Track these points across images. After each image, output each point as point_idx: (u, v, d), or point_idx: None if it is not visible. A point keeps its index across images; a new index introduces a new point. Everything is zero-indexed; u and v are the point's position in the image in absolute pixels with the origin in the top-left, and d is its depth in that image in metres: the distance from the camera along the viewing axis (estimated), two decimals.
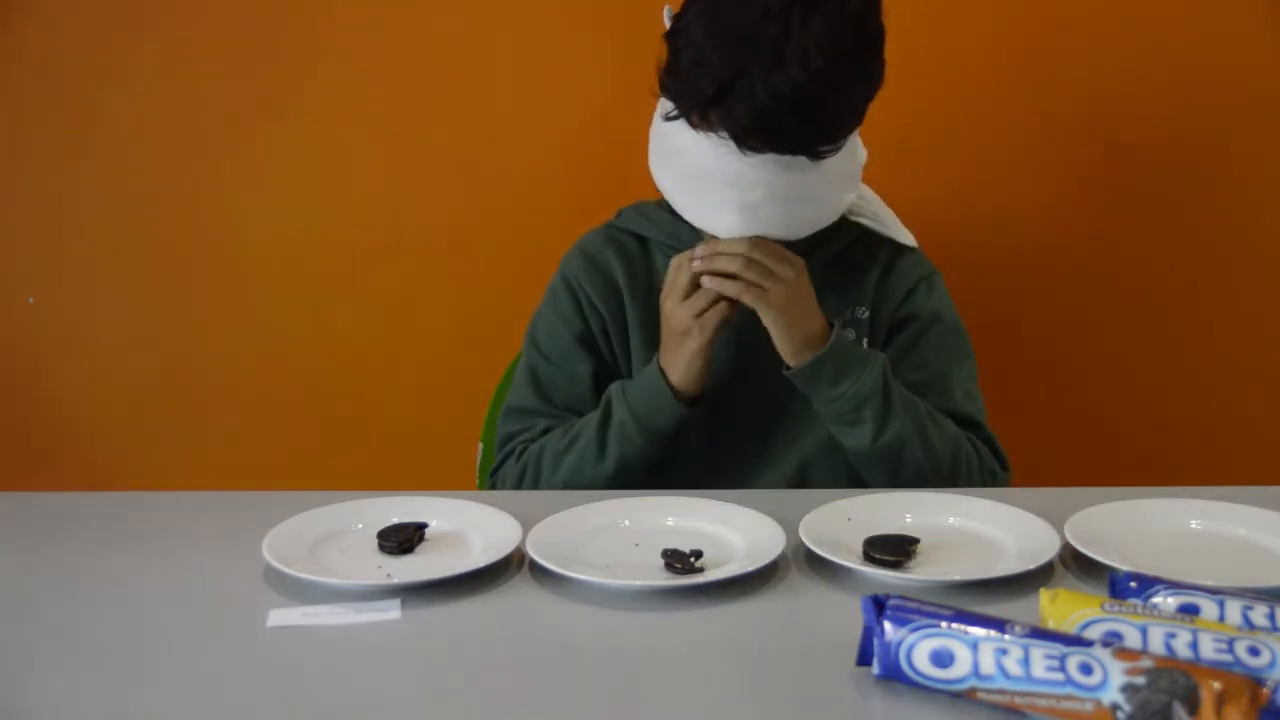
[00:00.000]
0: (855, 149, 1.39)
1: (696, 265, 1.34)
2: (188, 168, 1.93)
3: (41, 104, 1.91)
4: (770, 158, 1.29)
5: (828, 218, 1.39)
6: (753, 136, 1.26)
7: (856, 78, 1.30)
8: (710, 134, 1.29)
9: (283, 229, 1.95)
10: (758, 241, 1.33)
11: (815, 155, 1.30)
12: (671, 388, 1.37)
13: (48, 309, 1.97)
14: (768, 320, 1.35)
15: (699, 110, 1.29)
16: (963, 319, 1.54)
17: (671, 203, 1.40)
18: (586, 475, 1.40)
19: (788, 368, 1.37)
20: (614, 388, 1.42)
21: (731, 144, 1.28)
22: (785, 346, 1.36)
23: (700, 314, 1.35)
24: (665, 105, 1.34)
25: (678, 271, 1.37)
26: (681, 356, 1.37)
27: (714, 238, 1.36)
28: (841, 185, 1.38)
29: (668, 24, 1.34)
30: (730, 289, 1.33)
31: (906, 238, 1.52)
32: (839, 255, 1.49)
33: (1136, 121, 1.89)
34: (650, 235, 1.51)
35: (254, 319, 1.98)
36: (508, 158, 1.92)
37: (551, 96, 1.89)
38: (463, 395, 1.84)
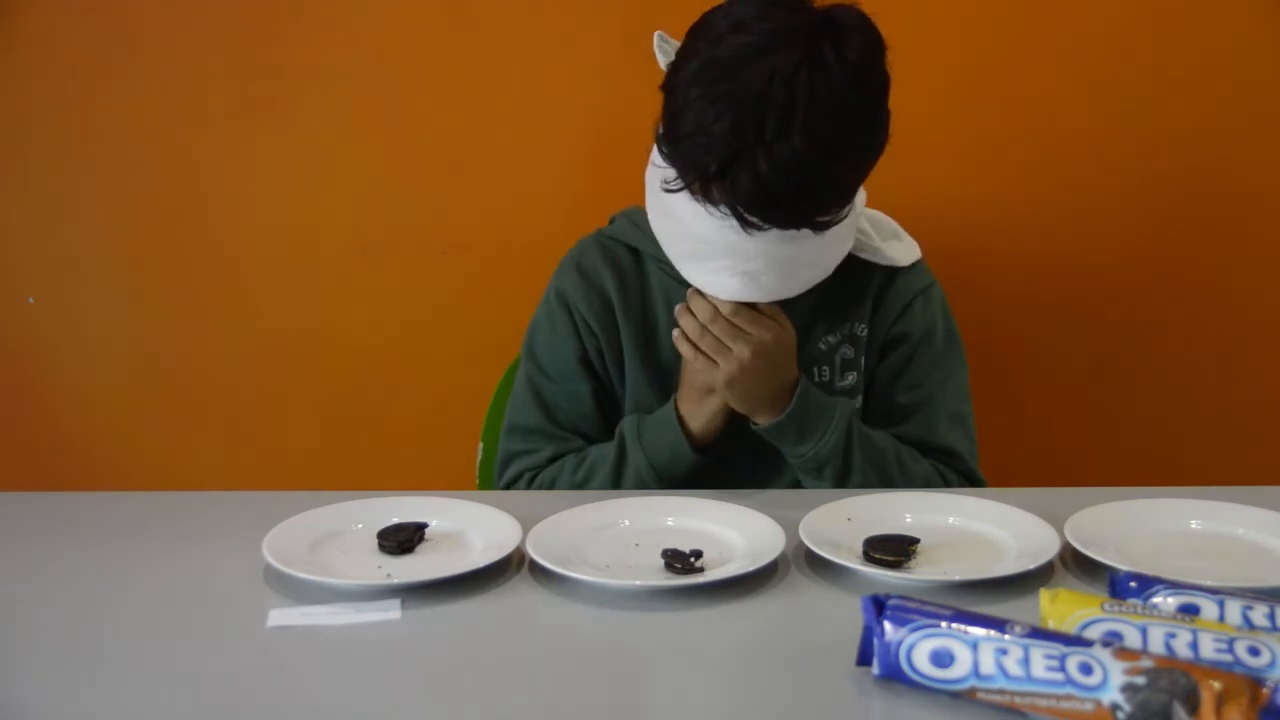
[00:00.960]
0: (855, 199, 1.35)
1: (678, 309, 1.34)
2: (187, 168, 1.93)
3: (41, 104, 1.91)
4: (770, 233, 1.26)
5: (829, 269, 1.37)
6: (754, 212, 1.23)
7: (861, 141, 1.26)
8: (710, 206, 1.25)
9: (282, 229, 1.94)
10: (716, 315, 1.32)
11: (817, 228, 1.27)
12: (688, 436, 1.37)
13: (48, 309, 1.97)
14: (725, 391, 1.34)
15: (700, 182, 1.25)
16: (963, 320, 1.54)
17: (669, 257, 1.37)
18: None
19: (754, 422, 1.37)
20: (628, 427, 1.41)
21: (730, 219, 1.24)
22: (739, 409, 1.36)
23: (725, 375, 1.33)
24: (664, 171, 1.29)
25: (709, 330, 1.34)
26: (704, 411, 1.37)
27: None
28: (840, 241, 1.37)
29: (659, 54, 1.31)
30: (685, 351, 1.34)
31: (906, 254, 1.49)
32: (838, 270, 1.46)
33: (1136, 123, 1.89)
34: (643, 248, 1.48)
35: (254, 319, 1.98)
36: (507, 157, 1.92)
37: (550, 96, 1.89)
38: (463, 395, 1.84)
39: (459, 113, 1.91)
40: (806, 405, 1.35)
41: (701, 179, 1.24)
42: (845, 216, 1.30)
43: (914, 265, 1.50)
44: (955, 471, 1.44)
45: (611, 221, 1.54)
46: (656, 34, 1.33)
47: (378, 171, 1.93)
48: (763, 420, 1.35)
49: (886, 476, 1.38)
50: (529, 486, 1.45)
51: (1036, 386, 1.98)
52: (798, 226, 1.25)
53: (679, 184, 1.26)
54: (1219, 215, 1.92)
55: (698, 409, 1.37)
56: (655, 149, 1.31)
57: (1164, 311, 1.95)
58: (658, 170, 1.31)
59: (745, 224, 1.23)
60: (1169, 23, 1.86)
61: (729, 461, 1.42)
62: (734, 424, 1.39)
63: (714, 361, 1.32)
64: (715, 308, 1.33)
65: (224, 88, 1.90)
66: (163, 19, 1.88)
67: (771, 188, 1.20)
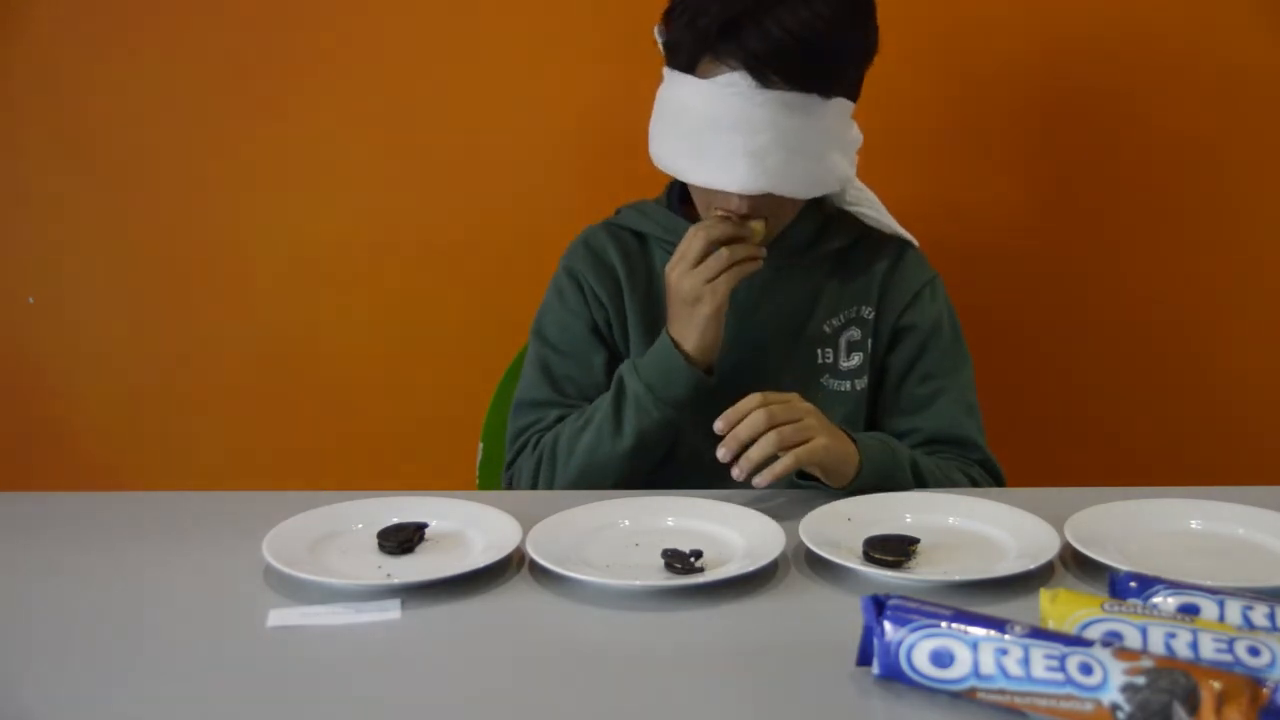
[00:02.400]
0: (852, 123, 1.41)
1: (719, 427, 1.27)
2: (188, 168, 1.93)
3: (41, 104, 1.91)
4: (776, 97, 1.31)
5: (830, 182, 1.40)
6: (765, 63, 1.30)
7: (857, 27, 1.36)
8: (717, 78, 1.32)
9: (283, 229, 1.95)
10: (764, 402, 1.27)
11: (825, 91, 1.33)
12: (685, 355, 1.37)
13: (48, 309, 1.97)
14: (824, 456, 1.28)
15: (709, 46, 1.32)
16: (962, 319, 1.55)
17: (676, 171, 1.40)
18: (604, 453, 1.39)
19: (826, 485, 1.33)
20: (624, 366, 1.42)
21: (740, 84, 1.31)
22: (844, 469, 1.31)
23: (711, 280, 1.35)
24: (671, 74, 1.38)
25: (690, 240, 1.36)
26: (695, 324, 1.37)
27: (721, 211, 1.37)
28: (842, 150, 1.40)
29: (659, 40, 1.39)
30: (786, 462, 1.26)
31: (907, 235, 1.53)
32: (842, 251, 1.50)
33: (1136, 120, 1.89)
34: (649, 232, 1.52)
35: (254, 319, 1.98)
36: (507, 157, 1.92)
37: (551, 95, 1.89)
38: (463, 395, 1.84)
39: (460, 112, 1.91)
40: (874, 462, 1.33)
41: (709, 42, 1.33)
42: (849, 89, 1.37)
43: (918, 255, 1.54)
44: (975, 464, 1.47)
45: (617, 213, 1.57)
46: (657, 27, 1.39)
47: (378, 171, 1.93)
48: (835, 482, 1.32)
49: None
50: (535, 449, 1.46)
51: (1036, 387, 1.98)
52: (805, 85, 1.31)
53: (685, 58, 1.35)
54: (1220, 214, 1.92)
55: (689, 325, 1.37)
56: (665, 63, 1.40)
57: (1164, 310, 1.95)
58: (667, 68, 1.40)
59: (756, 74, 1.30)
60: (1167, 20, 1.86)
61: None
62: (733, 398, 1.39)
63: (807, 437, 1.27)
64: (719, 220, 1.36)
65: (224, 88, 1.90)
66: (163, 19, 1.88)
67: (780, 45, 1.29)
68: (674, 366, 1.37)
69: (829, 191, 1.43)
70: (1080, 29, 1.87)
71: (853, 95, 1.40)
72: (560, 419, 1.47)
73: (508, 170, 1.92)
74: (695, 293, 1.36)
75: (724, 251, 1.35)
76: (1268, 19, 1.85)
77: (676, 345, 1.38)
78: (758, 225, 1.37)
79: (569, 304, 1.52)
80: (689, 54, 1.36)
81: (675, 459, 1.43)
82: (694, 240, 1.36)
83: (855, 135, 1.43)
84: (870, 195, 1.54)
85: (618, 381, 1.41)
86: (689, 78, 1.36)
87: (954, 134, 1.90)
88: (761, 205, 1.37)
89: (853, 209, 1.50)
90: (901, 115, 1.82)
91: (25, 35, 1.88)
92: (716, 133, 1.33)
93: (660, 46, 1.40)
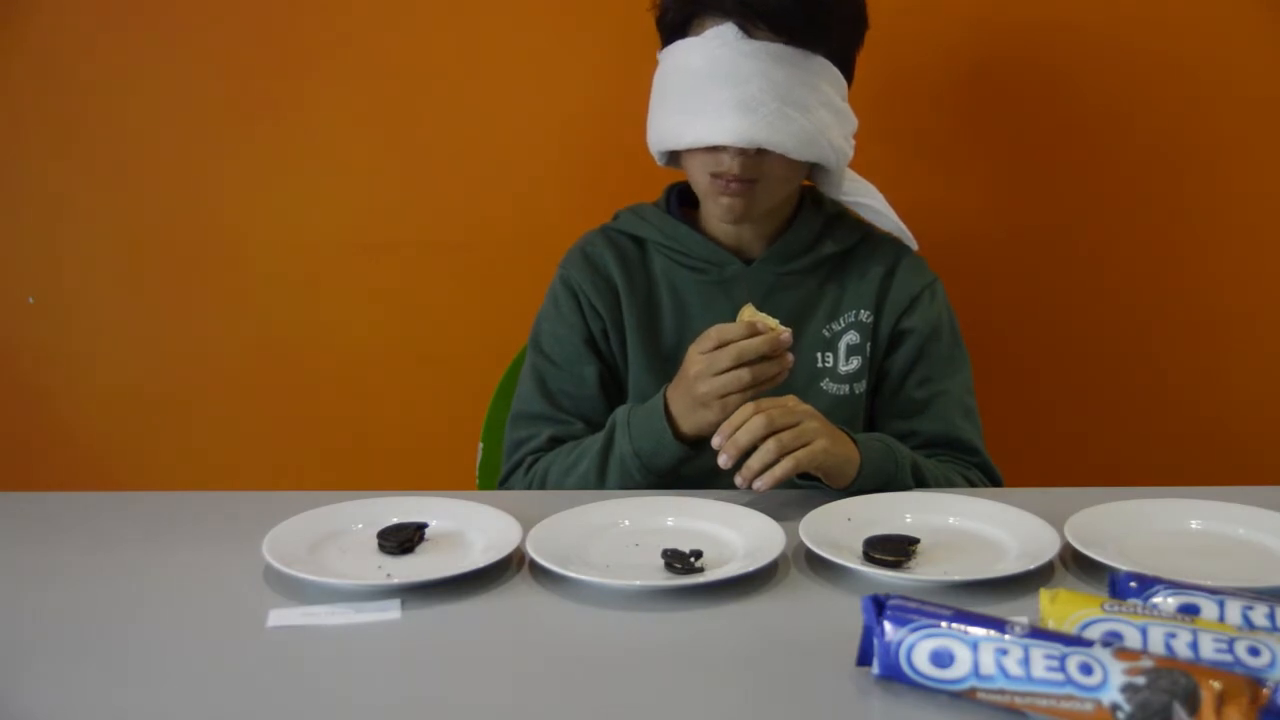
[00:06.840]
0: (845, 102, 1.43)
1: (716, 442, 1.26)
2: (188, 167, 1.93)
3: (41, 104, 1.91)
4: (763, 48, 1.34)
5: (823, 145, 1.40)
6: (753, 9, 1.33)
7: None
8: (706, 32, 1.36)
9: (282, 228, 1.95)
10: (760, 408, 1.26)
11: (812, 45, 1.36)
12: (674, 428, 1.35)
13: (48, 309, 1.97)
14: (823, 459, 1.27)
15: (698, 2, 1.36)
16: (962, 319, 1.55)
17: (670, 141, 1.42)
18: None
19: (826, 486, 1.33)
20: (619, 415, 1.40)
21: (727, 35, 1.34)
22: (845, 470, 1.30)
23: (724, 397, 1.29)
24: (663, 32, 1.44)
25: (720, 353, 1.28)
26: (695, 421, 1.33)
27: (745, 331, 1.29)
28: (833, 114, 1.40)
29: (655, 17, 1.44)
30: (785, 466, 1.24)
31: (908, 237, 1.53)
32: (841, 256, 1.51)
33: (1138, 121, 1.89)
34: (648, 236, 1.52)
35: (254, 319, 1.98)
36: (508, 157, 1.92)
37: (552, 96, 1.89)
38: (463, 395, 1.84)
39: (459, 112, 1.91)
40: (875, 463, 1.32)
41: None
42: (834, 48, 1.40)
43: (917, 259, 1.55)
44: (974, 467, 1.47)
45: (616, 217, 1.56)
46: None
47: (378, 171, 1.93)
48: (836, 483, 1.31)
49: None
50: (528, 472, 1.47)
51: (1036, 387, 1.98)
52: (790, 32, 1.35)
53: (675, 20, 1.41)
54: (1219, 214, 1.92)
55: (690, 417, 1.34)
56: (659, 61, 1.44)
57: (1164, 310, 1.95)
58: (661, 51, 1.45)
59: (742, 24, 1.35)
60: (1166, 21, 1.86)
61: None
62: None
63: (806, 441, 1.26)
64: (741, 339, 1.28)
65: (225, 87, 1.90)
66: (163, 19, 1.88)
67: None
68: (663, 440, 1.35)
69: (823, 159, 1.41)
70: (1081, 29, 1.87)
71: (842, 65, 1.42)
72: (553, 439, 1.47)
73: (508, 170, 1.92)
74: (705, 400, 1.31)
75: (746, 376, 1.27)
76: (1269, 19, 1.85)
77: (670, 418, 1.35)
78: (787, 336, 1.29)
79: (564, 315, 1.51)
80: (678, 14, 1.40)
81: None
82: (722, 354, 1.28)
83: (849, 112, 1.44)
84: (868, 186, 1.54)
85: (609, 432, 1.40)
86: (679, 42, 1.39)
87: (954, 136, 1.90)
88: (755, 165, 1.38)
89: (850, 199, 1.50)
90: (902, 117, 1.82)
91: (25, 35, 1.88)
92: (707, 86, 1.36)
93: (657, 27, 1.44)
